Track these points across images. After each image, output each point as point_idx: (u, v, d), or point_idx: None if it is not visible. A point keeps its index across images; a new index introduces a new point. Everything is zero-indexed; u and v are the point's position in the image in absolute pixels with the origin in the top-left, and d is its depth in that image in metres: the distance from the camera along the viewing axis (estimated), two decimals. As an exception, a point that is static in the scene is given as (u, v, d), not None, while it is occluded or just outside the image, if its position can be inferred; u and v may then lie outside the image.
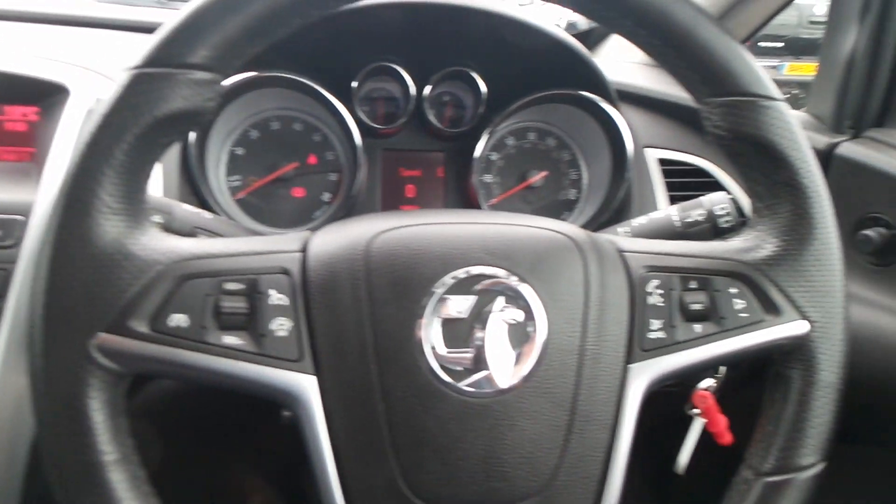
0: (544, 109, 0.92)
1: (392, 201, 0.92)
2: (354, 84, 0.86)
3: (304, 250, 0.50)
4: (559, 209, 0.95)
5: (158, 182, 0.78)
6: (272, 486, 1.21)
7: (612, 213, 0.88)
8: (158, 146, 0.46)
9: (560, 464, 0.49)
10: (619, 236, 0.57)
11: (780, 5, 0.95)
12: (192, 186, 0.79)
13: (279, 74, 0.81)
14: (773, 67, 6.65)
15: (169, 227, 0.61)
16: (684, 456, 0.68)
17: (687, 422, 0.72)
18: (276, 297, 0.48)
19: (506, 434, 0.48)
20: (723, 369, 0.70)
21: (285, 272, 0.49)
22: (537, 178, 0.93)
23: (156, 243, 0.46)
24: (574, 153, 0.95)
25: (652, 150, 0.93)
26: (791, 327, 0.52)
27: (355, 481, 0.47)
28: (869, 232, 0.78)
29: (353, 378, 0.47)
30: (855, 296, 0.80)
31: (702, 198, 0.69)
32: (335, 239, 0.51)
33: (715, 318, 0.52)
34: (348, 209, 0.86)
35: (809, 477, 0.52)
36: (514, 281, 0.49)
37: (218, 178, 0.86)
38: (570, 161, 0.95)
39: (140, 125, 0.44)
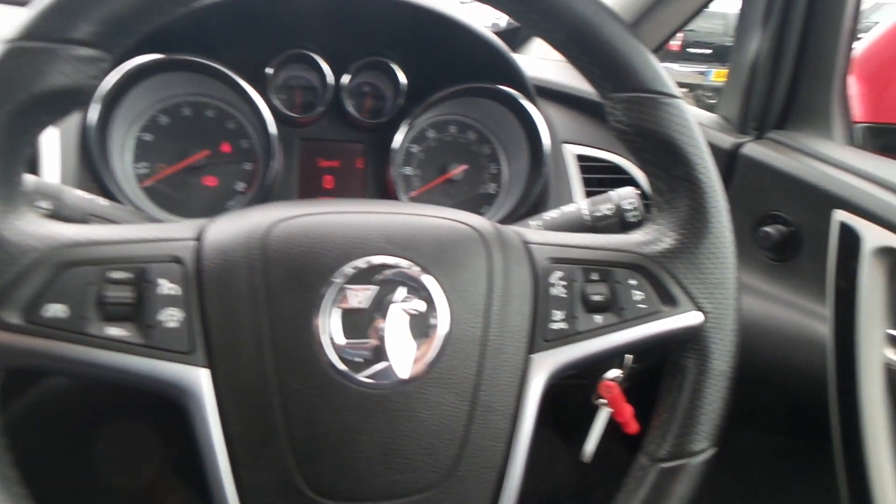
0: (465, 103, 0.92)
1: (309, 192, 0.90)
2: (269, 71, 0.84)
3: (199, 238, 0.49)
4: (479, 203, 0.95)
5: (55, 167, 0.73)
6: (189, 485, 1.17)
7: (530, 207, 0.89)
8: (35, 125, 0.43)
9: (461, 454, 0.49)
10: (528, 229, 0.57)
11: (690, 14, 0.98)
12: (93, 173, 0.75)
13: (188, 58, 0.78)
14: (702, 73, 6.94)
15: (58, 215, 0.58)
16: (590, 445, 0.70)
17: (596, 412, 0.74)
18: (166, 287, 0.46)
19: (406, 425, 0.47)
20: (629, 360, 0.72)
21: (177, 261, 0.47)
22: (457, 171, 0.93)
23: (33, 228, 0.44)
24: (494, 147, 0.96)
25: (570, 146, 0.95)
26: (686, 318, 0.53)
27: (249, 477, 0.46)
28: (768, 229, 0.81)
29: (248, 370, 0.46)
30: (755, 290, 0.84)
31: (611, 192, 0.71)
32: (232, 227, 0.49)
33: (615, 309, 0.53)
34: (263, 199, 0.84)
35: (701, 462, 0.54)
36: (415, 271, 0.49)
37: (123, 164, 0.83)
38: (490, 155, 0.96)
39: (15, 102, 0.41)
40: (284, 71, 0.88)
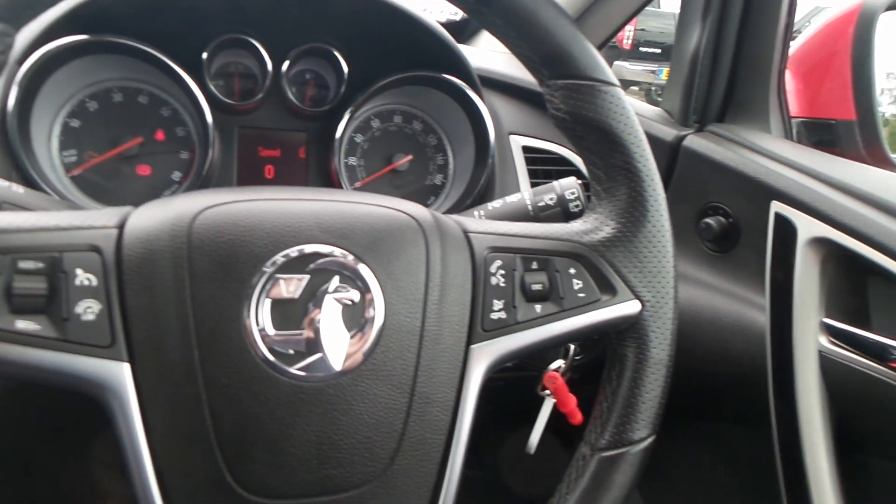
0: (411, 93, 0.91)
1: (249, 182, 0.87)
2: (205, 55, 0.80)
3: (120, 227, 0.46)
4: (426, 194, 0.94)
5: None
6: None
7: (475, 198, 0.88)
8: None
9: (399, 447, 0.47)
10: (469, 218, 0.56)
11: (633, 10, 0.99)
12: (14, 160, 0.71)
13: (116, 40, 0.74)
14: (652, 72, 7.08)
15: None
16: (534, 436, 0.69)
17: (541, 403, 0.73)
18: (82, 277, 0.43)
19: (341, 419, 0.46)
20: (574, 350, 0.71)
21: (95, 250, 0.44)
22: (402, 161, 0.92)
23: None
24: (440, 138, 0.95)
25: (516, 138, 0.94)
26: (625, 307, 0.53)
27: (175, 476, 0.44)
28: (710, 220, 0.82)
29: (173, 364, 0.44)
30: (697, 280, 0.85)
31: (554, 183, 0.70)
32: (156, 215, 0.47)
33: (555, 299, 0.53)
34: (201, 187, 0.81)
35: (642, 450, 0.54)
36: (350, 260, 0.47)
37: (49, 151, 0.78)
38: (437, 146, 0.95)
39: None
40: (221, 56, 0.85)
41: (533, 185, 0.92)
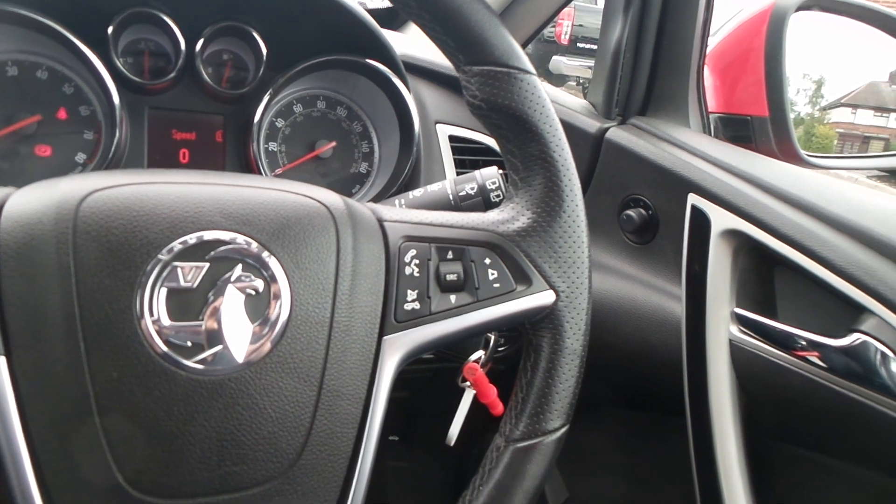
0: (335, 77, 0.88)
1: (162, 166, 0.83)
2: (110, 30, 0.76)
3: None
4: (351, 182, 0.92)
5: None
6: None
7: (400, 188, 0.87)
8: None
9: (306, 442, 0.46)
10: (385, 206, 0.55)
11: (555, 7, 0.99)
12: None
13: (8, 9, 0.69)
14: (590, 67, 7.20)
15: None
16: (454, 428, 0.69)
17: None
18: None
19: (243, 413, 0.44)
20: (494, 341, 0.71)
21: None
22: (326, 148, 0.89)
23: None
24: (366, 125, 0.93)
25: (443, 127, 0.93)
26: (540, 297, 0.53)
27: (57, 478, 0.41)
28: (630, 212, 0.84)
29: (55, 357, 0.41)
30: (618, 271, 0.86)
31: (475, 172, 0.70)
32: (39, 197, 0.43)
33: (470, 289, 0.52)
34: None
35: (555, 440, 0.54)
36: (254, 248, 0.45)
37: (-69, 128, 0.72)
38: (362, 133, 0.93)
39: None
40: (130, 32, 0.80)
41: (459, 175, 0.92)
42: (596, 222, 0.88)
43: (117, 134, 0.75)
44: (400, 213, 0.53)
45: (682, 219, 0.77)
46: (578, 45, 7.62)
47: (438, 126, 0.93)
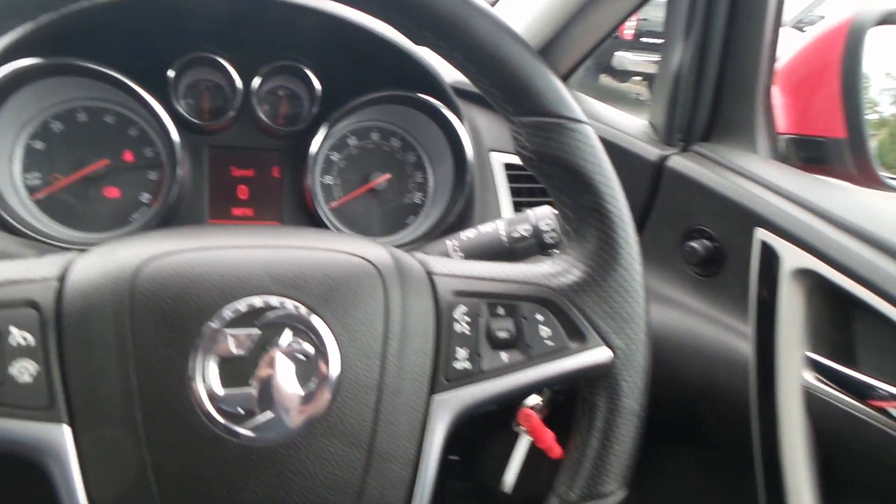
0: (387, 109, 0.88)
1: (222, 203, 0.85)
2: (171, 74, 0.78)
3: (61, 278, 0.44)
4: (404, 213, 0.92)
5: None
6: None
7: (455, 218, 0.86)
8: None
9: None
10: (434, 257, 0.54)
11: (600, 37, 0.96)
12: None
13: (75, 62, 0.71)
14: (655, 62, 6.97)
15: None
16: (510, 474, 0.68)
17: (515, 438, 0.71)
18: (18, 336, 0.41)
19: (294, 479, 0.44)
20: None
21: (33, 305, 0.42)
22: (380, 180, 0.89)
23: None
24: (419, 155, 0.92)
25: (497, 155, 0.92)
26: (595, 355, 0.51)
27: None
28: (694, 244, 0.80)
29: (115, 426, 0.42)
30: (681, 305, 0.83)
31: (528, 211, 0.68)
32: (98, 266, 0.44)
33: (521, 346, 0.50)
34: (171, 211, 0.78)
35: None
36: (303, 312, 0.45)
37: (11, 174, 0.76)
38: (416, 163, 0.92)
39: None
40: (189, 74, 0.82)
41: (515, 204, 0.90)
42: (657, 252, 0.85)
43: (179, 173, 0.77)
44: (449, 266, 0.52)
45: (750, 253, 0.73)
46: (642, 39, 7.41)
47: (493, 154, 0.91)
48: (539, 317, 0.51)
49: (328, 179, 0.88)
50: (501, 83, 0.48)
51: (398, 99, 0.85)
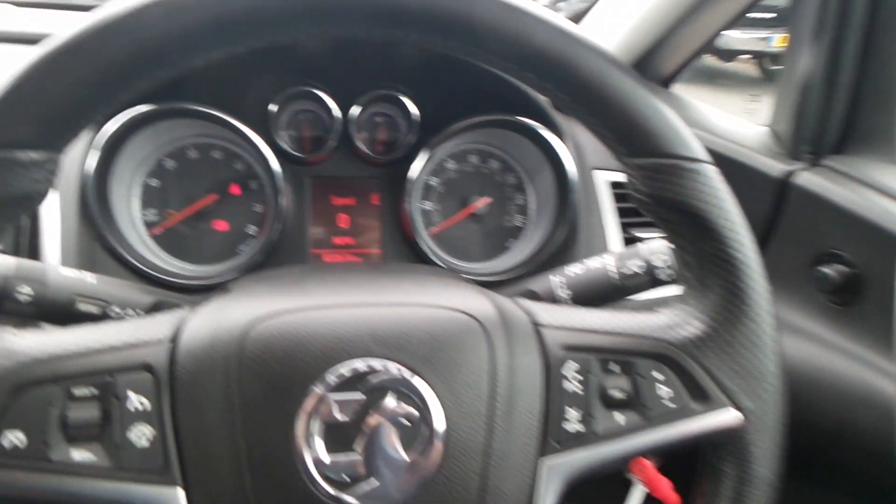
0: (485, 131, 0.86)
1: (323, 233, 0.86)
2: (273, 108, 0.79)
3: (174, 339, 0.45)
4: (505, 236, 0.89)
5: (55, 224, 0.71)
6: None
7: (558, 244, 0.82)
8: None
9: None
10: (541, 304, 0.51)
11: (707, 40, 0.89)
12: (95, 230, 0.73)
13: (184, 106, 0.74)
14: (763, 39, 6.52)
15: (41, 300, 0.55)
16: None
17: (627, 484, 0.67)
18: (135, 401, 0.42)
19: None
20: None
21: (147, 368, 0.43)
22: (480, 204, 0.87)
23: None
24: (519, 176, 0.89)
25: (602, 173, 0.87)
26: (722, 417, 0.46)
27: None
28: (827, 269, 0.72)
29: (226, 490, 0.42)
30: (812, 335, 0.75)
31: (640, 245, 0.63)
32: (208, 326, 0.45)
33: (638, 407, 0.47)
34: (275, 243, 0.80)
35: None
36: (406, 375, 0.43)
37: (130, 212, 0.80)
38: (516, 185, 0.89)
39: None
40: (289, 107, 0.83)
41: (623, 226, 0.85)
42: (781, 277, 0.77)
43: (282, 205, 0.79)
44: (557, 316, 0.49)
45: (895, 280, 0.65)
46: (749, 15, 6.90)
47: (597, 173, 0.87)
48: (657, 375, 0.47)
49: (427, 205, 0.87)
50: (612, 123, 0.45)
51: (496, 123, 0.82)
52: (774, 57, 6.84)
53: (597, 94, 0.44)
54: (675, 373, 0.47)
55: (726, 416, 0.46)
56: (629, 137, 0.45)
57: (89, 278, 0.58)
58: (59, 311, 0.56)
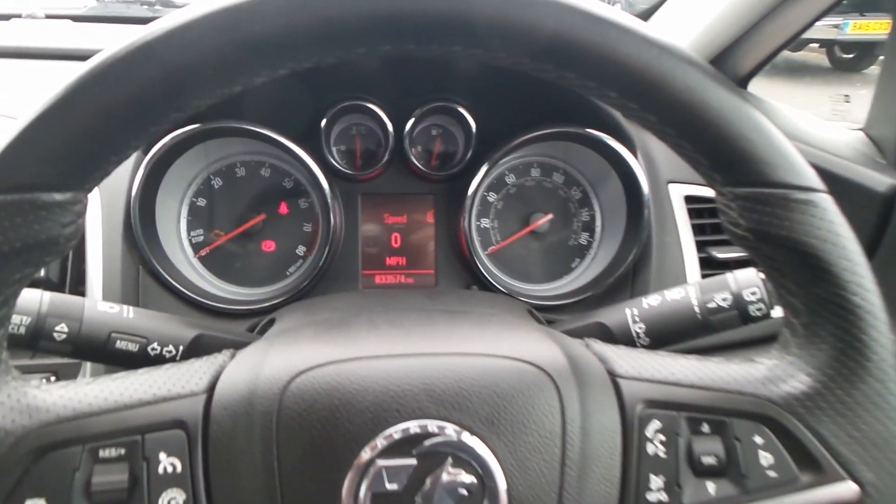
0: (547, 143, 0.80)
1: (375, 253, 0.82)
2: (323, 123, 0.75)
3: (209, 390, 0.41)
4: (569, 256, 0.83)
5: (99, 248, 0.68)
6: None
7: (628, 265, 0.76)
8: (5, 286, 0.36)
9: None
10: (617, 348, 0.45)
11: (790, 37, 0.80)
12: (140, 254, 0.70)
13: (229, 125, 0.71)
14: (836, 27, 6.13)
15: (78, 338, 0.52)
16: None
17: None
18: (166, 463, 0.38)
19: None
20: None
21: (180, 425, 0.39)
22: (542, 221, 0.81)
23: (11, 404, 0.37)
24: (585, 191, 0.83)
25: (678, 187, 0.80)
26: (836, 491, 0.39)
27: None
28: (942, 297, 0.63)
29: None
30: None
31: (727, 276, 0.56)
32: (247, 378, 0.41)
33: (734, 476, 0.40)
34: (325, 265, 0.76)
35: None
36: (464, 438, 0.38)
37: (178, 234, 0.77)
38: (581, 200, 0.83)
39: None
40: (341, 122, 0.79)
41: (699, 245, 0.77)
42: (888, 303, 0.68)
43: (332, 225, 0.75)
44: (637, 364, 0.43)
45: None
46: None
47: (672, 186, 0.79)
48: (757, 439, 0.40)
49: (485, 223, 0.82)
50: (708, 147, 0.38)
51: (563, 135, 0.76)
52: (846, 45, 6.47)
53: (691, 114, 0.37)
54: (779, 436, 0.40)
55: (842, 490, 0.39)
56: (728, 163, 0.38)
57: (127, 313, 0.55)
58: (96, 349, 0.53)
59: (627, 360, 0.43)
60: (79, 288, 0.68)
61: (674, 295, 0.57)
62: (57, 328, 0.52)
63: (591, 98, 0.72)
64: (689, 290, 0.57)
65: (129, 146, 0.36)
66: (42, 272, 0.66)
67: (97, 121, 0.34)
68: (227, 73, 0.34)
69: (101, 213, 0.70)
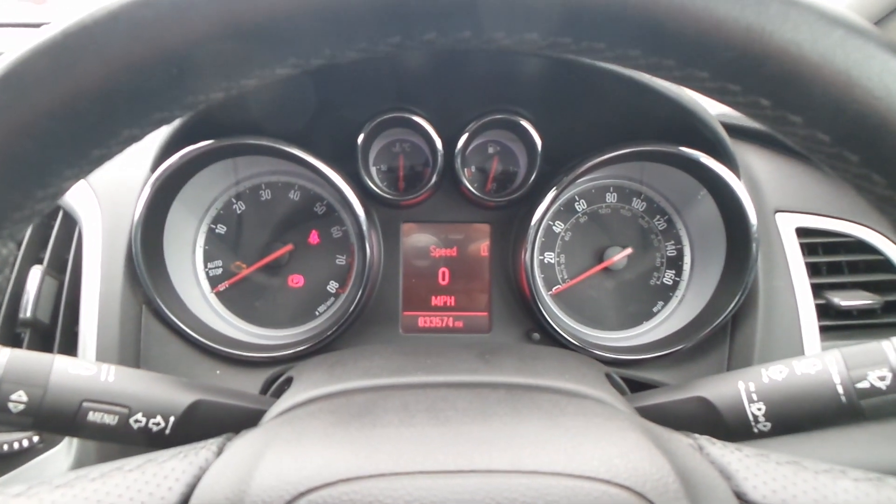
0: (627, 164, 0.66)
1: (419, 291, 0.69)
2: (360, 139, 0.64)
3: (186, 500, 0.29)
4: (651, 299, 0.69)
5: (94, 283, 0.58)
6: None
7: (729, 314, 0.61)
8: None
9: None
10: (740, 455, 0.31)
11: None
12: (145, 293, 0.60)
13: (243, 142, 0.59)
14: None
15: (41, 410, 0.41)
16: None
17: None
18: None
19: None
20: None
21: None
22: (620, 256, 0.67)
23: None
24: (671, 219, 0.69)
25: (787, 216, 0.65)
26: None
27: None
28: None
29: None
30: None
31: (883, 345, 0.41)
32: (232, 492, 0.29)
33: None
34: (361, 302, 0.64)
35: None
36: None
37: (195, 266, 0.67)
38: (666, 231, 0.69)
39: None
40: (381, 137, 0.68)
41: (814, 288, 0.62)
42: None
43: (369, 258, 0.63)
44: (776, 485, 0.30)
45: None
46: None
47: (780, 216, 0.65)
48: None
49: (549, 257, 0.69)
50: (884, 160, 0.24)
51: (652, 155, 0.62)
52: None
53: (875, 133, 0.24)
54: None
55: None
56: None
57: (106, 375, 0.44)
58: (64, 422, 0.42)
59: (762, 477, 0.30)
60: (73, 328, 0.59)
61: (806, 367, 0.42)
62: (13, 396, 0.41)
63: (674, 108, 0.59)
64: (829, 361, 0.42)
65: (64, 178, 0.25)
66: (29, 312, 0.57)
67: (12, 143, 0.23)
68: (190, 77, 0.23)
69: (101, 240, 0.60)
